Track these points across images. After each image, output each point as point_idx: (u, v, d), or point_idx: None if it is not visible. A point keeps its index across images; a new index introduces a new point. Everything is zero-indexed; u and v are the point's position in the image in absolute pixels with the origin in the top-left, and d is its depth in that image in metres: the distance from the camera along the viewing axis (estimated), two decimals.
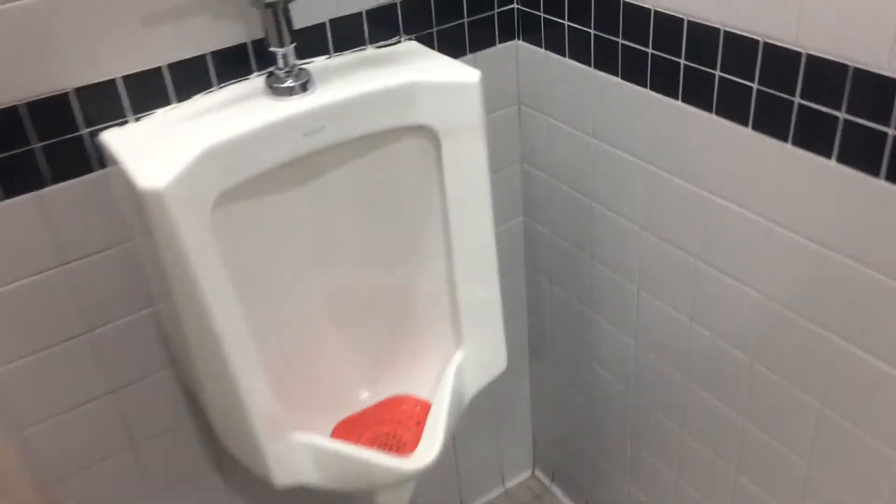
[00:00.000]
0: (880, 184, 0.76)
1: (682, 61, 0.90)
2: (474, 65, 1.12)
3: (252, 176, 0.89)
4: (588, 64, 1.04)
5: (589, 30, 1.01)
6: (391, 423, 1.15)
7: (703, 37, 0.87)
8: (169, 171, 0.80)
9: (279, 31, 0.89)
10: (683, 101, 0.92)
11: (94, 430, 1.04)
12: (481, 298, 1.06)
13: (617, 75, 1.00)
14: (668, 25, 0.90)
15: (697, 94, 0.90)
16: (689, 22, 0.88)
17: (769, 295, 0.93)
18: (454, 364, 1.08)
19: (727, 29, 0.84)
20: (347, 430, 1.14)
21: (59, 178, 0.90)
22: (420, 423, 1.14)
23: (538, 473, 1.61)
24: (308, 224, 1.03)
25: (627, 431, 1.29)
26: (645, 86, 0.97)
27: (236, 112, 0.90)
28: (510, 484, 1.59)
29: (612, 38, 0.99)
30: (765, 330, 0.95)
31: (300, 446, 0.99)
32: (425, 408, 1.16)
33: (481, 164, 0.98)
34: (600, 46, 1.01)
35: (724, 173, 0.92)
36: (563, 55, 1.07)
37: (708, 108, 0.89)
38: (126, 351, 1.03)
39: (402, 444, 1.12)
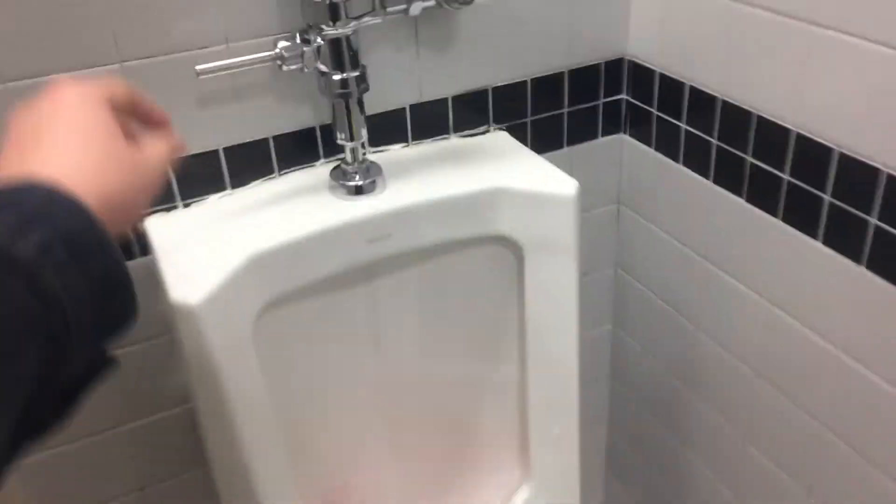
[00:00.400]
0: None
1: (828, 198, 0.74)
2: (571, 160, 0.98)
3: (303, 286, 0.77)
4: (706, 176, 0.89)
5: (710, 139, 0.86)
6: None
7: (853, 172, 0.71)
8: (206, 283, 0.69)
9: (350, 123, 0.78)
10: (825, 243, 0.76)
11: None
12: (557, 436, 0.92)
13: (741, 196, 0.85)
14: (813, 152, 0.75)
15: (844, 239, 0.74)
16: (840, 154, 0.72)
17: None
18: (520, 499, 0.95)
19: (890, 171, 0.68)
20: None
21: None
22: None
23: None
24: (363, 332, 0.91)
25: None
26: (775, 215, 0.81)
27: (293, 209, 0.79)
28: None
29: (738, 152, 0.83)
30: None
31: None
32: None
33: (570, 287, 0.84)
34: (723, 160, 0.86)
35: (866, 332, 0.75)
36: (677, 160, 0.93)
37: (857, 259, 0.73)
38: (161, 443, 0.93)
39: None
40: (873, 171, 0.69)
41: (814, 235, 0.77)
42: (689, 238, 0.95)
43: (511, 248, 0.85)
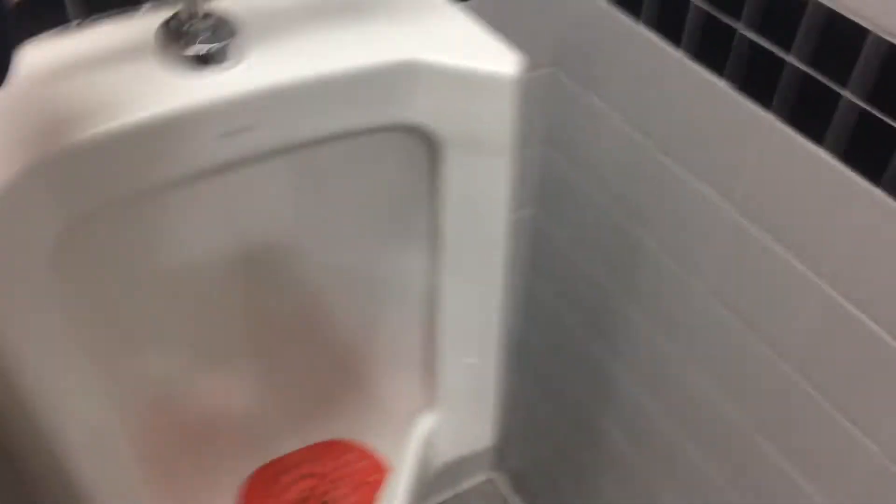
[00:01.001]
0: None
1: (848, 95, 0.55)
2: (498, 5, 0.74)
3: (123, 196, 0.53)
4: (676, 44, 0.67)
5: None
6: (325, 479, 0.86)
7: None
8: None
9: None
10: (844, 160, 0.57)
11: None
12: (470, 365, 0.74)
13: (720, 75, 0.64)
14: (844, 33, 0.54)
15: (863, 154, 0.56)
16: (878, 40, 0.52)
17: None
18: (421, 432, 0.79)
19: None
20: (269, 480, 0.85)
21: None
22: (367, 484, 0.86)
23: (498, 479, 1.36)
24: (231, 226, 0.68)
25: (625, 494, 1.02)
26: (767, 107, 0.61)
27: (105, 85, 0.53)
28: (465, 485, 1.34)
29: (728, 22, 0.62)
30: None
31: None
32: (374, 464, 0.87)
33: (499, 195, 0.63)
34: (706, 28, 0.64)
35: (850, 249, 0.60)
36: (637, 18, 0.70)
37: (875, 179, 0.55)
38: None
39: None
40: None
41: (821, 142, 0.58)
42: (643, 120, 0.75)
43: (424, 142, 0.63)
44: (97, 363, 0.58)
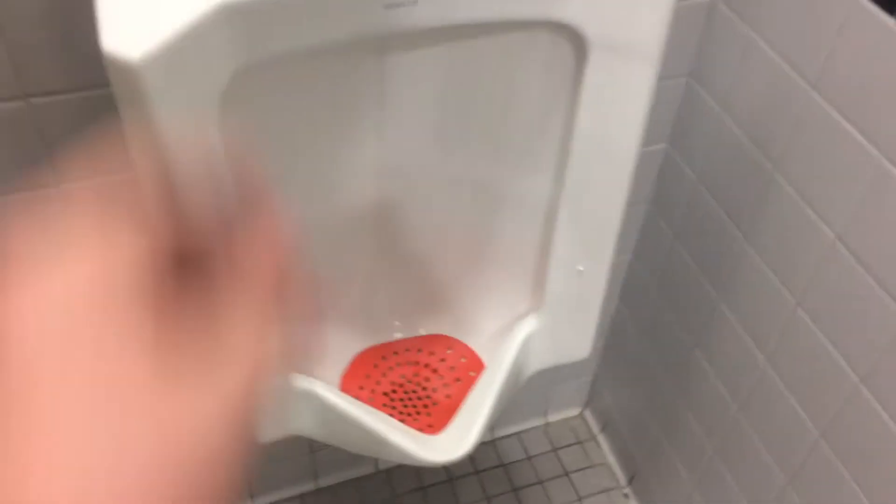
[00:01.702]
0: None
1: None
2: None
3: (293, 51, 0.58)
4: None
5: None
6: (425, 368, 0.91)
7: None
8: (155, 35, 0.50)
9: None
10: None
11: None
12: (581, 273, 0.77)
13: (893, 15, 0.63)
14: None
15: None
16: None
17: None
18: (522, 332, 0.82)
19: None
20: (370, 363, 0.91)
21: None
22: (461, 381, 0.91)
23: (587, 416, 1.38)
24: (366, 118, 0.73)
25: (711, 440, 1.03)
26: None
27: None
28: (553, 418, 1.37)
29: None
30: None
31: (297, 394, 0.76)
32: (472, 361, 0.91)
33: (639, 103, 0.65)
34: None
35: None
36: None
37: None
38: None
39: (433, 402, 0.89)
40: None
41: None
42: (803, 62, 0.74)
43: (571, 41, 0.65)
44: None
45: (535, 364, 0.85)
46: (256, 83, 0.62)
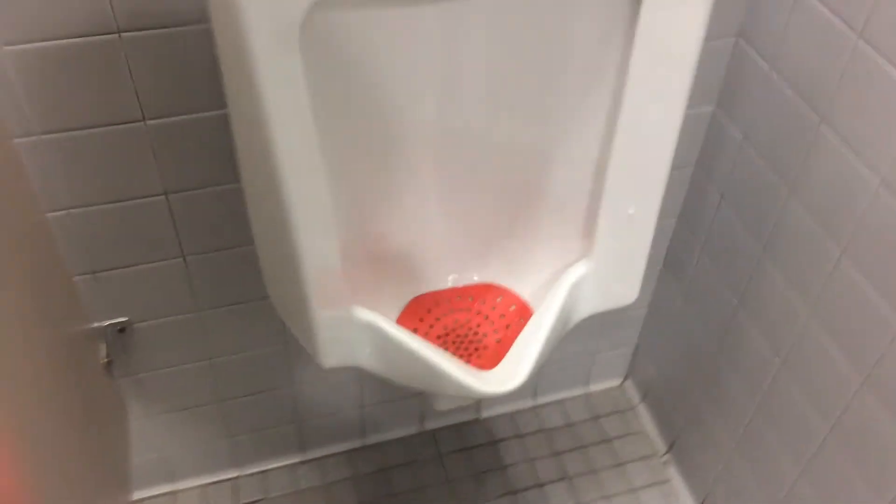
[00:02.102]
0: None
1: None
2: None
3: None
4: None
5: None
6: (476, 314, 0.95)
7: None
8: None
9: None
10: None
11: (144, 230, 0.89)
12: (631, 217, 0.80)
13: None
14: None
15: None
16: None
17: None
18: (572, 277, 0.85)
19: None
20: (423, 308, 0.95)
21: None
22: (510, 327, 0.94)
23: (627, 386, 1.41)
24: (430, 55, 0.77)
25: (753, 400, 1.05)
26: None
27: None
28: (594, 388, 1.40)
29: None
30: None
31: (359, 324, 0.80)
32: (522, 309, 0.95)
33: (691, 47, 0.68)
34: None
35: None
36: None
37: None
38: (187, 150, 0.83)
39: (483, 346, 0.93)
40: None
41: None
42: (850, 11, 0.77)
43: None
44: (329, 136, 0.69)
45: (585, 308, 0.88)
46: (329, 23, 0.67)
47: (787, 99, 0.87)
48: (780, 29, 0.86)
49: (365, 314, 0.80)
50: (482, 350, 0.92)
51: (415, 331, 0.92)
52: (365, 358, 0.83)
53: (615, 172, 0.78)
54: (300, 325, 0.80)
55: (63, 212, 0.83)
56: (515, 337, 0.88)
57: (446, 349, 0.91)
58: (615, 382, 1.41)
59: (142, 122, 0.79)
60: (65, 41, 0.71)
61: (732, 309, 1.06)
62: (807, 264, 0.90)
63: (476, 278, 0.96)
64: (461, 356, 0.91)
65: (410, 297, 0.95)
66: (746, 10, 0.90)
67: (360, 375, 1.21)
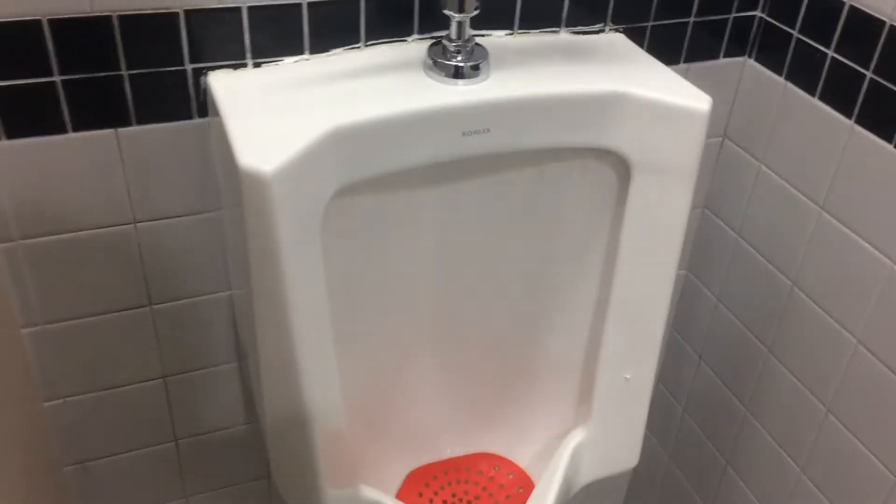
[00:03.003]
0: None
1: None
2: (686, 78, 0.87)
3: (385, 173, 0.67)
4: (848, 116, 0.78)
5: (864, 71, 0.75)
6: (475, 486, 0.94)
7: None
8: (281, 152, 0.59)
9: None
10: None
11: (139, 415, 0.87)
12: (628, 382, 0.83)
13: (890, 142, 0.74)
14: None
15: None
16: None
17: None
18: (571, 445, 0.86)
19: None
20: (422, 481, 0.94)
21: (146, 117, 0.70)
22: (510, 498, 0.93)
23: None
24: (431, 236, 0.81)
25: None
26: None
27: (382, 85, 0.68)
28: None
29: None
30: None
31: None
32: (520, 478, 0.94)
33: (678, 219, 0.74)
34: (876, 97, 0.75)
35: None
36: (813, 94, 0.81)
37: None
38: (190, 332, 0.84)
39: None
40: None
41: None
42: (808, 185, 0.84)
43: (616, 166, 0.75)
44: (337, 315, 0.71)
45: (585, 476, 0.89)
46: (344, 208, 0.71)
47: (756, 264, 0.93)
48: (744, 201, 0.93)
49: (371, 493, 0.79)
50: None
51: None
52: None
53: (611, 339, 0.81)
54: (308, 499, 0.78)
55: (59, 401, 0.82)
56: None
57: None
58: None
59: (147, 308, 0.80)
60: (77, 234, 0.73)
61: (720, 469, 1.07)
62: (794, 422, 0.93)
63: (473, 448, 0.96)
64: None
65: (409, 469, 0.94)
66: (710, 183, 0.98)
67: None
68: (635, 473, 1.28)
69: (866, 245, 0.78)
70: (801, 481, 0.92)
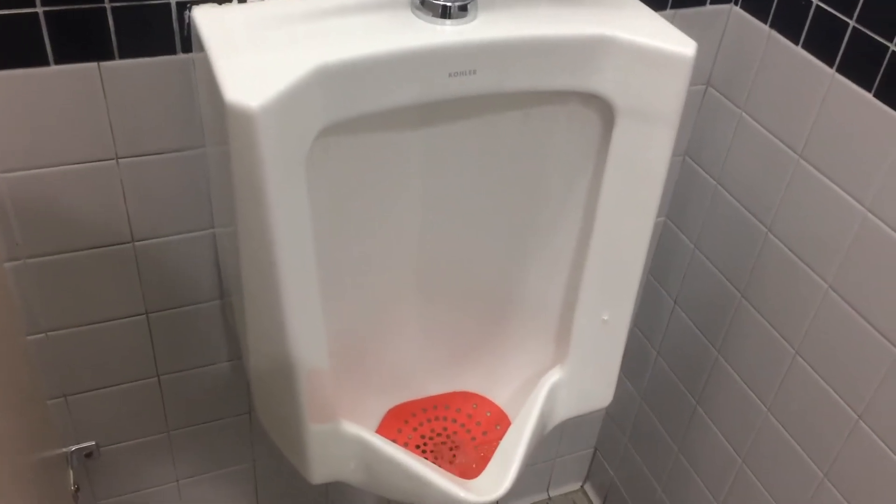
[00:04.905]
0: None
1: None
2: (672, 23, 0.87)
3: (370, 112, 0.67)
4: (830, 65, 0.78)
5: (849, 20, 0.75)
6: (453, 423, 0.96)
7: None
8: (268, 88, 0.59)
9: None
10: None
11: (122, 350, 0.88)
12: (605, 323, 0.84)
13: (870, 91, 0.75)
14: None
15: None
16: None
17: None
18: (548, 383, 0.88)
19: None
20: (401, 418, 0.96)
21: (128, 51, 0.70)
22: (488, 434, 0.96)
23: (588, 490, 1.42)
24: (415, 178, 0.82)
25: (716, 500, 1.08)
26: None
27: (369, 23, 0.68)
28: (555, 493, 1.41)
29: (882, 40, 0.73)
30: None
31: (348, 438, 0.81)
32: (498, 416, 0.97)
33: (660, 165, 0.74)
34: (858, 45, 0.75)
35: None
36: (796, 42, 0.82)
37: None
38: (173, 270, 0.84)
39: (463, 454, 0.94)
40: None
41: None
42: (788, 133, 0.86)
43: (600, 110, 0.75)
44: (322, 254, 0.71)
45: (561, 413, 0.91)
46: (328, 148, 0.71)
47: (734, 211, 0.95)
48: (724, 149, 0.95)
49: (352, 428, 0.81)
50: (461, 458, 0.93)
51: (394, 441, 0.93)
52: (350, 472, 0.83)
53: (590, 281, 0.82)
54: (290, 440, 0.80)
55: (42, 335, 0.82)
56: (493, 444, 0.90)
57: (426, 458, 0.92)
58: (575, 486, 1.43)
59: (130, 244, 0.80)
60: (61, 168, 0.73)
61: (691, 410, 1.10)
62: (761, 365, 0.96)
63: (453, 387, 0.99)
64: (440, 465, 0.92)
65: (388, 407, 0.96)
66: (692, 130, 0.99)
67: (327, 494, 1.20)
68: (608, 413, 1.31)
69: (842, 192, 0.80)
70: (768, 421, 0.96)
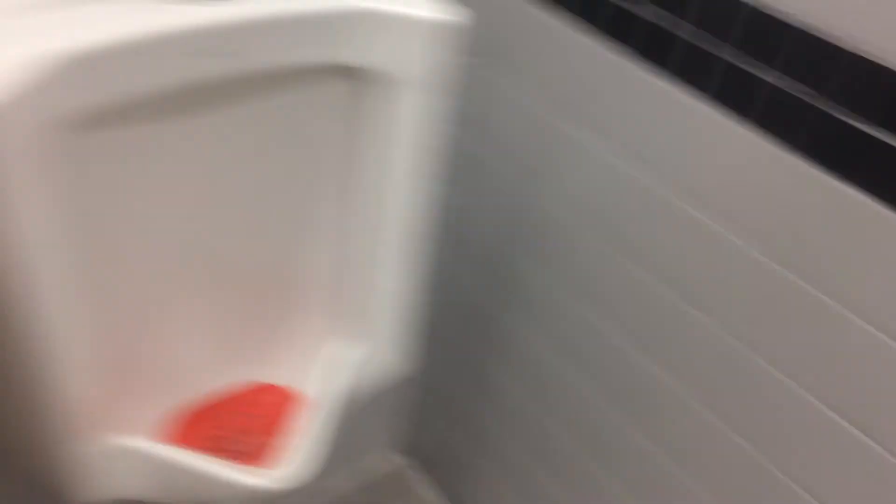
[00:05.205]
0: None
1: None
2: None
3: (120, 101, 0.61)
4: (593, 34, 0.80)
5: None
6: (247, 417, 0.92)
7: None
8: (8, 81, 0.52)
9: None
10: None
11: None
12: (391, 292, 0.83)
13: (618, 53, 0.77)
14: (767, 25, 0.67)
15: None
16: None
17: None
18: (341, 360, 0.89)
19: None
20: (190, 420, 0.90)
21: None
22: (283, 420, 0.92)
23: (405, 460, 1.43)
24: (177, 169, 0.76)
25: (530, 453, 1.12)
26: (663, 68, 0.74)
27: (111, 10, 0.61)
28: (372, 468, 1.40)
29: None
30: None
31: (120, 452, 0.75)
32: (292, 401, 0.93)
33: (424, 135, 0.74)
34: (617, 11, 0.77)
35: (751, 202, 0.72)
36: (557, 13, 0.82)
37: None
38: None
39: (256, 445, 0.90)
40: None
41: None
42: (551, 104, 0.87)
43: (362, 82, 0.72)
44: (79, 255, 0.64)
45: (363, 389, 0.90)
46: (82, 144, 0.63)
47: (502, 178, 0.97)
48: (490, 119, 0.95)
49: (121, 441, 0.75)
50: (254, 451, 0.90)
51: (182, 444, 0.88)
52: (136, 486, 0.78)
53: (364, 254, 0.82)
54: (46, 461, 0.73)
55: None
56: (287, 430, 0.87)
57: (218, 457, 0.88)
58: (393, 459, 1.42)
59: None
60: None
61: (489, 363, 1.12)
62: (557, 306, 0.98)
63: (240, 379, 0.94)
64: (237, 460, 0.88)
65: (169, 409, 0.90)
66: (457, 100, 0.99)
67: None
68: (419, 381, 1.31)
69: (611, 157, 0.83)
70: (555, 369, 0.99)
